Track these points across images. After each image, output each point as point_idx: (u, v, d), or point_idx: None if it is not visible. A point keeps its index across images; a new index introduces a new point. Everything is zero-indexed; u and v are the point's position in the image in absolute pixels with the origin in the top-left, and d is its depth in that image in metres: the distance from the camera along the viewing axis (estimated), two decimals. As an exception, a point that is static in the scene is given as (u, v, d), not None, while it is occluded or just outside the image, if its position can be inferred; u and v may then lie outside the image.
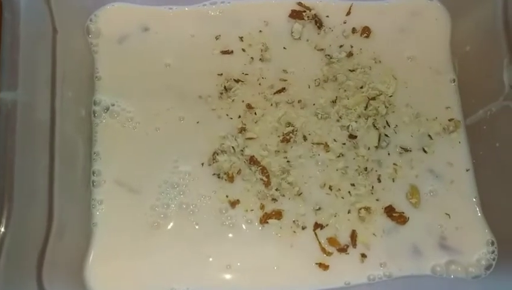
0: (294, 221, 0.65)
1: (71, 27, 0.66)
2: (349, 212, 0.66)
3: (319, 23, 0.74)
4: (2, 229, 0.49)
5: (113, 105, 0.69)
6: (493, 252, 0.65)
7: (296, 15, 0.74)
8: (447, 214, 0.67)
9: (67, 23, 0.63)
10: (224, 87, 0.70)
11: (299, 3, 0.74)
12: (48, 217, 0.56)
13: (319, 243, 0.65)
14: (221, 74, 0.71)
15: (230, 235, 0.65)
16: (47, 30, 0.59)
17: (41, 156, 0.56)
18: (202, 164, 0.67)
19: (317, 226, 0.65)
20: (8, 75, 0.51)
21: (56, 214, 0.56)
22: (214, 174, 0.66)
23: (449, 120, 0.71)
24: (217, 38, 0.73)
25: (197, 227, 0.65)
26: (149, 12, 0.73)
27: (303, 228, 0.65)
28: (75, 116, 0.64)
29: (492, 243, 0.66)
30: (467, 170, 0.69)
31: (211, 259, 0.64)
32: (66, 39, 0.62)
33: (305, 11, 0.74)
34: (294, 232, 0.65)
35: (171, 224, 0.65)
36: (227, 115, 0.69)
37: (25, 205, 0.51)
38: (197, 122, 0.69)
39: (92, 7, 0.72)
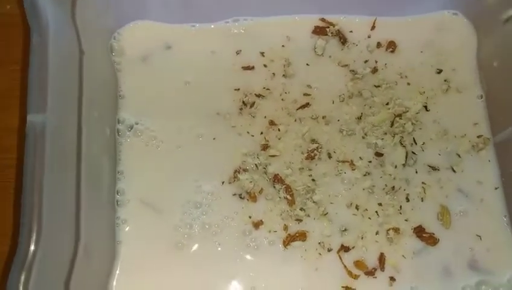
0: (319, 243, 0.64)
1: (96, 47, 0.66)
2: (377, 233, 0.65)
3: (342, 39, 0.73)
4: (32, 247, 0.48)
5: (137, 124, 0.69)
6: (525, 272, 0.63)
7: (319, 31, 0.73)
8: (478, 235, 0.65)
9: (93, 43, 0.64)
10: (243, 102, 0.70)
11: (322, 19, 0.74)
12: (75, 236, 0.55)
13: (344, 266, 0.63)
14: (238, 89, 0.70)
15: (254, 257, 0.64)
16: (74, 52, 0.59)
17: (68, 177, 0.55)
18: (223, 183, 0.66)
19: (343, 248, 0.64)
20: (36, 97, 0.51)
21: (83, 233, 0.56)
22: (235, 194, 0.66)
23: (478, 137, 0.69)
24: (237, 53, 0.72)
25: (219, 248, 0.64)
26: (172, 30, 0.73)
27: (329, 250, 0.64)
28: (101, 135, 0.64)
29: (524, 263, 0.64)
30: (496, 188, 0.67)
31: (234, 281, 0.63)
32: (91, 59, 0.62)
33: (328, 27, 0.73)
34: (320, 254, 0.64)
35: (196, 245, 0.64)
36: (248, 132, 0.69)
37: (54, 225, 0.51)
38: (216, 140, 0.68)
39: (115, 25, 0.72)
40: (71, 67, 0.58)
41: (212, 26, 0.73)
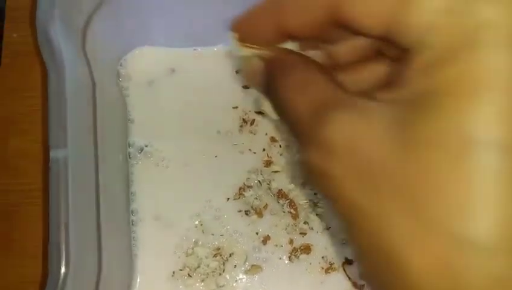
0: (322, 257, 0.68)
1: (106, 76, 0.69)
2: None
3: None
4: (63, 270, 0.51)
5: (146, 146, 0.72)
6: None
7: (317, 49, 0.76)
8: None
9: (102, 73, 0.67)
10: (243, 120, 0.73)
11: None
12: (98, 257, 0.59)
13: (349, 278, 0.67)
14: (237, 107, 0.73)
15: (264, 270, 0.67)
16: (87, 84, 0.62)
17: (89, 204, 0.59)
18: (228, 199, 0.69)
19: (347, 261, 0.68)
20: (57, 133, 0.54)
21: (104, 256, 0.60)
22: (241, 210, 0.69)
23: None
24: (237, 72, 0.75)
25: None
26: (175, 54, 0.76)
27: (332, 264, 0.68)
28: (115, 161, 0.68)
29: None
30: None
31: (247, 295, 0.67)
32: (102, 89, 0.65)
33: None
34: (323, 268, 0.67)
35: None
36: (249, 149, 0.72)
37: (79, 247, 0.54)
38: (218, 157, 0.71)
39: (121, 52, 0.75)
40: (86, 100, 0.61)
41: (215, 49, 0.76)
